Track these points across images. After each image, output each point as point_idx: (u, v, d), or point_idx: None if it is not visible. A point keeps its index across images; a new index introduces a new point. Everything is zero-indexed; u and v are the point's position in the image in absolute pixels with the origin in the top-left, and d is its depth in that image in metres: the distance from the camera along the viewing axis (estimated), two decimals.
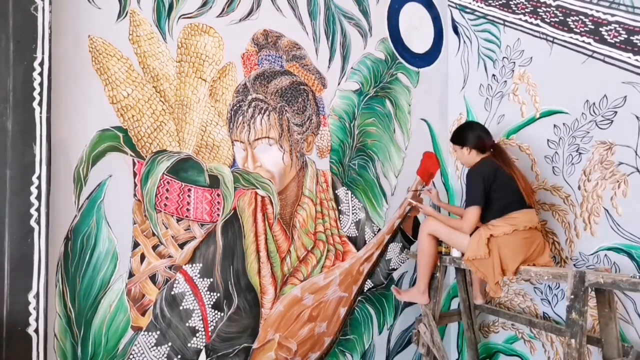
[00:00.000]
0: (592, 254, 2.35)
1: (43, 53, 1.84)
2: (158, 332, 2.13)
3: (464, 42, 3.15)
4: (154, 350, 2.11)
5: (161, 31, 2.19)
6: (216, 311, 2.29)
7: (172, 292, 2.17)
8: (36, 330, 1.79)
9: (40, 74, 1.83)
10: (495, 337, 2.93)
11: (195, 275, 2.23)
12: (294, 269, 2.54)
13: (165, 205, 2.16)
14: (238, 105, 2.40)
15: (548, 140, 2.56)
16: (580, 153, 2.41)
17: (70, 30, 1.95)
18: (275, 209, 2.49)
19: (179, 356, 2.18)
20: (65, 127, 1.93)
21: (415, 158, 3.09)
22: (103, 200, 2.01)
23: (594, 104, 2.35)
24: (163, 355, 2.14)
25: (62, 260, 1.91)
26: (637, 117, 2.17)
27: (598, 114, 2.33)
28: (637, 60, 2.17)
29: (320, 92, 2.69)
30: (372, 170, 2.88)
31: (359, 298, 2.81)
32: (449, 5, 3.26)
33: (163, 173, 2.15)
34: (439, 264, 2.64)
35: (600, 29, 2.32)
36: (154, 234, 2.13)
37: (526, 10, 2.70)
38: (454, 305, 3.11)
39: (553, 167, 2.54)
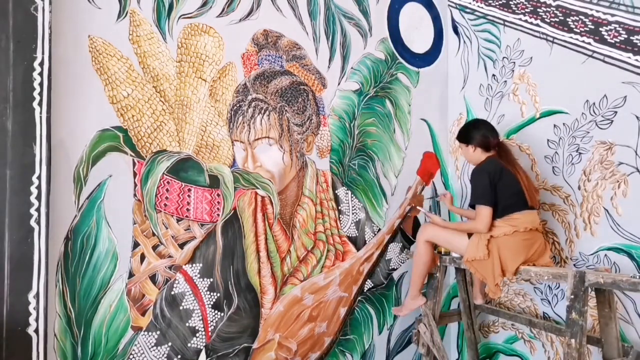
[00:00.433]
0: (592, 254, 2.35)
1: (43, 53, 1.83)
2: (158, 332, 2.13)
3: (464, 42, 3.15)
4: (154, 350, 2.11)
5: (161, 31, 2.19)
6: (216, 311, 2.29)
7: (172, 292, 2.17)
8: (36, 330, 1.79)
9: (40, 74, 1.82)
10: (495, 337, 2.93)
11: (195, 275, 2.23)
12: (294, 269, 2.54)
13: (165, 205, 2.16)
14: (238, 105, 2.40)
15: (548, 140, 2.56)
16: (580, 153, 2.41)
17: (70, 30, 1.95)
18: (275, 209, 2.49)
19: (179, 356, 2.18)
20: (65, 127, 1.92)
21: (415, 158, 3.09)
22: (103, 200, 2.01)
23: (594, 104, 2.35)
24: (163, 355, 2.14)
25: (62, 260, 1.91)
26: (637, 117, 2.17)
27: (598, 114, 2.33)
28: (637, 60, 2.17)
29: (320, 92, 2.69)
30: (372, 170, 2.88)
31: (359, 298, 2.81)
32: (449, 5, 3.26)
33: (163, 173, 2.15)
34: (438, 264, 2.65)
35: (600, 29, 2.32)
36: (154, 234, 2.13)
37: (526, 10, 2.70)
38: (454, 305, 3.11)
39: (553, 167, 2.54)
